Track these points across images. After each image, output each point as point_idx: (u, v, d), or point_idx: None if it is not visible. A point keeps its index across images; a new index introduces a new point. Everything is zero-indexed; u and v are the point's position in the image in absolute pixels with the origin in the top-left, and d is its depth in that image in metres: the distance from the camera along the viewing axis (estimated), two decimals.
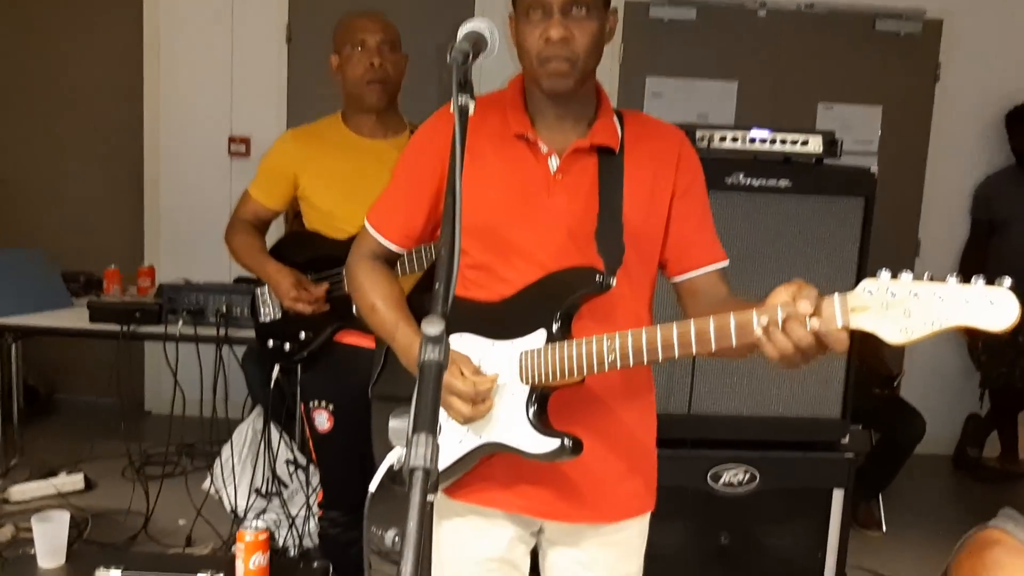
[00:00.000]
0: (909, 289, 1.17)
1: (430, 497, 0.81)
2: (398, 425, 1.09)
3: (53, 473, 4.05)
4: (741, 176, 2.52)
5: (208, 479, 3.68)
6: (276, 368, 2.83)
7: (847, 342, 1.24)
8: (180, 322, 3.38)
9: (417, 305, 1.67)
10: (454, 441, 1.59)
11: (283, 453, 3.64)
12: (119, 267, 3.99)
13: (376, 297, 1.68)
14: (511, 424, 1.53)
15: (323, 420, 2.64)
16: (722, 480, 2.64)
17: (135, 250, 4.99)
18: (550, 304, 1.55)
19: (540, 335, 1.54)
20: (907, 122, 4.95)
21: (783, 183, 2.56)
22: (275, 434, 3.58)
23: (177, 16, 4.88)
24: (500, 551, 1.70)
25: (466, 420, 1.52)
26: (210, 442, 4.06)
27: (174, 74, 4.94)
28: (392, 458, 1.57)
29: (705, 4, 4.79)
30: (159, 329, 3.43)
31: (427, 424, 0.84)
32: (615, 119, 1.67)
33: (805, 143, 2.60)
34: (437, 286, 0.97)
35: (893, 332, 1.18)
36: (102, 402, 5.11)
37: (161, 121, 4.98)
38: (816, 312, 1.24)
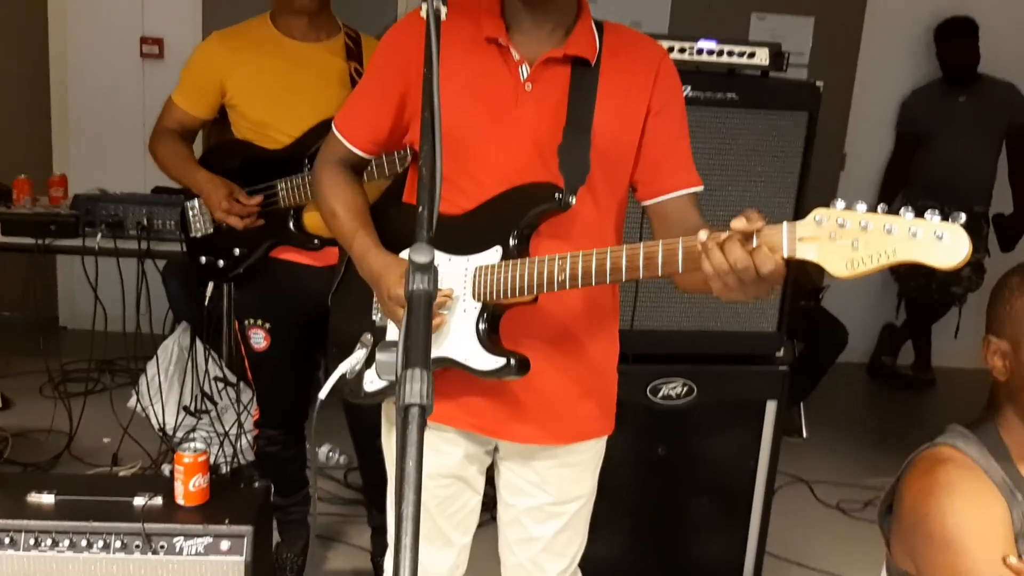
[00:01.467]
0: (859, 220, 1.13)
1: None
2: (386, 359, 1.05)
3: None
4: (689, 89, 2.47)
5: (133, 397, 3.56)
6: (210, 286, 2.72)
7: (777, 265, 1.20)
8: (99, 235, 3.22)
9: (382, 213, 1.68)
10: None
11: (211, 370, 3.54)
12: (28, 176, 3.77)
13: (337, 203, 1.65)
14: (461, 340, 1.51)
15: (259, 339, 2.57)
16: (661, 393, 2.66)
17: (43, 158, 4.73)
18: (507, 220, 1.51)
19: (496, 252, 1.51)
20: (838, 34, 4.96)
21: (729, 96, 2.52)
22: (202, 351, 3.47)
23: None
24: (452, 468, 1.70)
25: None
26: (133, 358, 3.94)
27: None
28: (344, 367, 1.56)
29: None
30: (76, 243, 3.26)
31: (420, 359, 0.79)
32: (594, 29, 1.59)
33: (752, 55, 2.56)
34: (421, 209, 0.91)
35: (839, 265, 1.15)
36: (12, 317, 4.90)
37: (68, 20, 4.67)
38: (760, 240, 1.20)
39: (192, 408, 3.46)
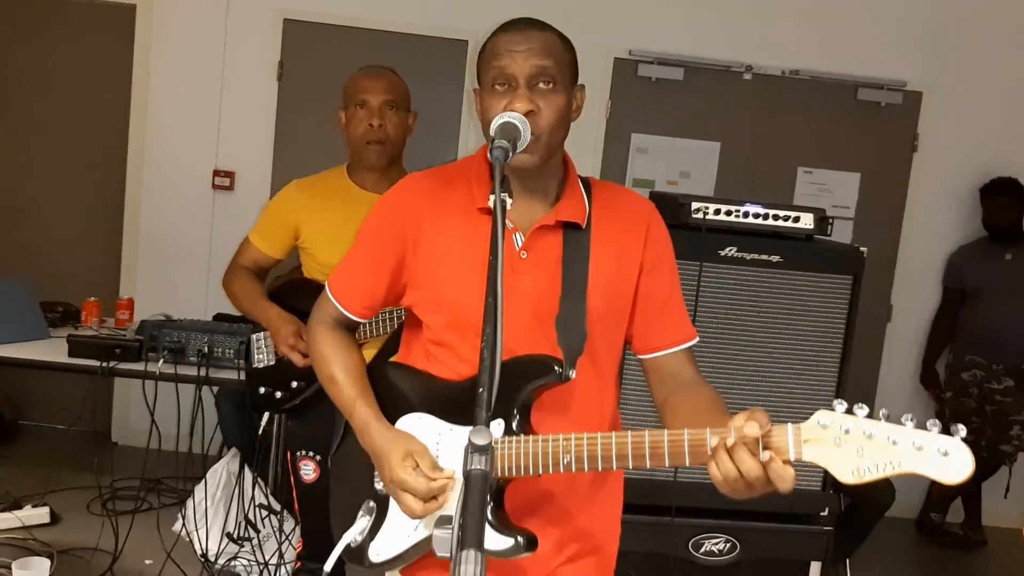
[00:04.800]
0: (863, 428, 1.16)
1: None
2: (442, 535, 1.07)
3: (18, 505, 3.97)
4: (734, 250, 2.57)
5: (179, 521, 3.62)
6: (265, 416, 2.82)
7: (792, 483, 1.21)
8: (160, 361, 3.34)
9: (379, 373, 1.68)
10: (409, 528, 1.55)
11: (256, 497, 3.60)
12: (95, 296, 3.95)
13: (336, 368, 1.65)
14: None
15: (309, 471, 2.63)
16: (703, 549, 2.66)
17: (111, 279, 4.94)
18: (508, 393, 1.46)
19: (496, 425, 1.47)
20: (884, 190, 5.06)
21: (775, 258, 2.61)
22: (249, 478, 3.54)
23: (168, 48, 4.88)
24: None
25: (416, 517, 1.47)
26: (183, 478, 4.02)
27: (161, 104, 4.92)
28: (348, 537, 1.56)
29: (692, 65, 4.88)
30: (139, 367, 3.38)
31: (474, 539, 0.84)
32: (583, 191, 1.63)
33: (797, 220, 2.66)
34: (480, 390, 0.98)
35: (844, 471, 1.17)
36: (68, 430, 5.02)
37: (145, 151, 4.95)
38: (767, 442, 1.21)
39: (235, 535, 3.51)
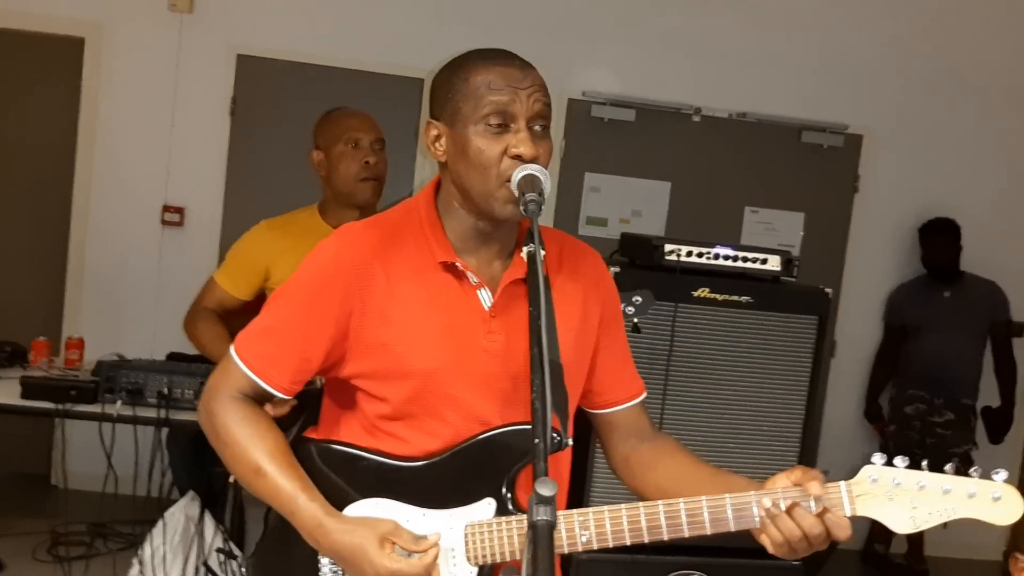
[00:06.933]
0: (915, 480, 1.23)
1: None
2: None
3: None
4: (708, 291, 2.63)
5: (135, 567, 3.51)
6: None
7: (850, 530, 1.26)
8: (118, 403, 3.26)
9: (305, 456, 1.44)
10: None
11: (215, 541, 3.51)
12: (39, 335, 3.83)
13: (260, 455, 1.38)
14: None
15: None
16: None
17: (54, 317, 4.79)
18: (497, 468, 1.36)
19: (487, 505, 1.36)
20: (827, 229, 5.21)
21: (745, 298, 2.67)
22: (210, 522, 3.46)
23: (117, 81, 4.79)
24: None
25: None
26: (132, 522, 3.90)
27: (110, 138, 4.82)
28: None
29: (644, 107, 4.99)
30: (95, 408, 3.29)
31: None
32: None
33: (764, 261, 2.73)
34: (537, 441, 0.99)
35: (902, 523, 1.25)
36: (3, 473, 4.84)
37: (93, 184, 4.83)
38: (820, 499, 1.24)
39: None
